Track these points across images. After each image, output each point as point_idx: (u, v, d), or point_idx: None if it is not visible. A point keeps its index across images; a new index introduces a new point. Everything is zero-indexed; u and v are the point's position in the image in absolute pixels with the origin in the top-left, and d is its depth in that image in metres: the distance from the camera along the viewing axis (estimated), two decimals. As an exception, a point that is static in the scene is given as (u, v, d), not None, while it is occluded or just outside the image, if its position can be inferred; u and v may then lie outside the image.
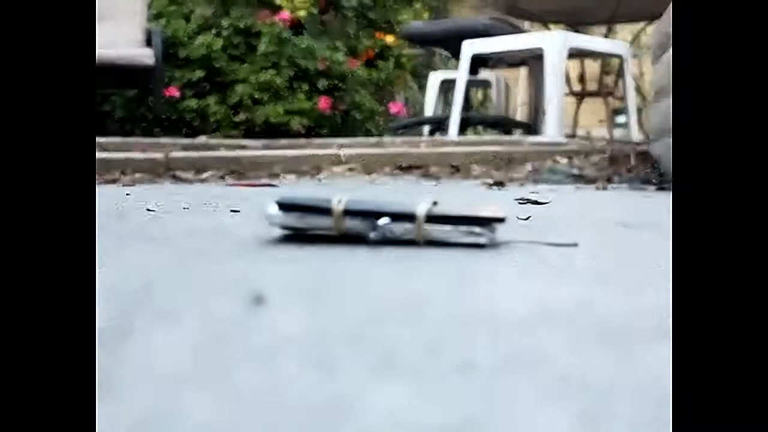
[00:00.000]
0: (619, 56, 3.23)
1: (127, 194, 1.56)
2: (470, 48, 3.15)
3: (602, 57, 3.51)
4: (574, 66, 3.84)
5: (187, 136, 3.66)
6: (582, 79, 3.94)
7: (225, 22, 4.02)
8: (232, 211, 1.19)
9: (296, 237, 0.85)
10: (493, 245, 0.82)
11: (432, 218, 0.81)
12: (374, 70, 4.44)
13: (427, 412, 0.31)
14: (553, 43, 2.92)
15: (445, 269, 0.66)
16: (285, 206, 0.83)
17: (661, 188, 1.86)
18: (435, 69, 4.59)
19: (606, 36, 3.82)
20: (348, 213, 0.82)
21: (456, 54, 3.28)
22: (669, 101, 1.93)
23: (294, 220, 0.83)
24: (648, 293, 0.57)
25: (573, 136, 3.57)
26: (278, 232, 0.86)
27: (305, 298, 0.54)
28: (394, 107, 4.41)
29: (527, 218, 1.10)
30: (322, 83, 4.03)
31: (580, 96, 3.99)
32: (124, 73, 3.50)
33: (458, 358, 0.39)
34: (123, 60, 3.42)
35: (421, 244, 0.82)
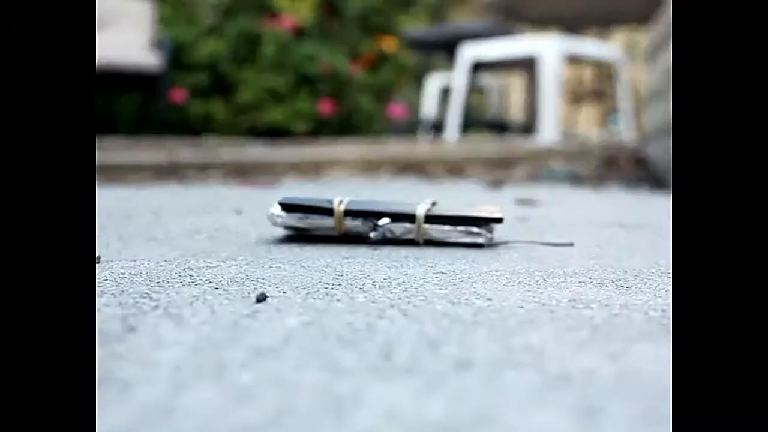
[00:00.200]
0: (614, 59, 3.24)
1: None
2: (468, 52, 3.17)
3: (597, 60, 3.52)
4: (569, 69, 3.85)
5: (192, 138, 3.67)
6: (577, 81, 3.95)
7: (230, 29, 4.04)
8: (235, 211, 1.19)
9: (298, 237, 0.86)
10: (491, 245, 0.83)
11: (431, 218, 0.81)
12: (375, 73, 4.46)
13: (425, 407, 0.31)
14: (549, 47, 2.94)
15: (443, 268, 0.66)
16: (287, 207, 0.83)
17: (655, 189, 1.87)
18: (435, 72, 4.60)
19: (601, 40, 3.83)
20: (349, 213, 0.82)
21: (454, 58, 3.30)
22: (664, 103, 1.93)
23: (296, 220, 0.83)
24: (647, 293, 0.57)
25: (569, 137, 3.58)
26: (281, 231, 0.87)
27: (306, 297, 0.54)
28: (395, 109, 4.42)
29: (524, 218, 1.10)
30: (323, 87, 4.05)
31: (576, 98, 3.99)
32: (130, 79, 3.52)
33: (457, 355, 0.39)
34: (129, 65, 3.43)
35: (421, 243, 0.82)
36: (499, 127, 3.88)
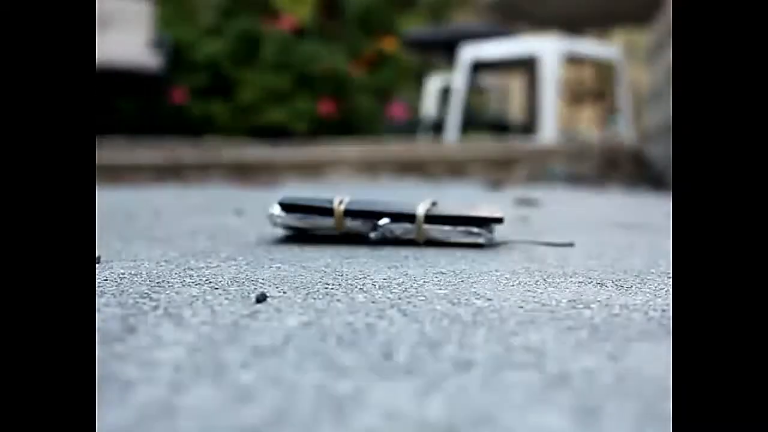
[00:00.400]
0: (614, 59, 3.24)
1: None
2: (468, 52, 3.18)
3: (597, 60, 3.53)
4: (569, 69, 3.85)
5: (192, 139, 3.67)
6: (577, 81, 3.95)
7: (230, 29, 4.04)
8: (236, 211, 1.19)
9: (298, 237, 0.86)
10: (491, 245, 0.83)
11: (431, 218, 0.81)
12: (375, 73, 4.46)
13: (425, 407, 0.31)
14: (549, 47, 2.95)
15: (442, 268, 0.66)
16: (287, 207, 0.83)
17: (655, 189, 1.87)
18: (435, 72, 4.61)
19: (601, 40, 3.83)
20: (349, 213, 0.82)
21: (454, 58, 3.31)
22: (664, 103, 1.93)
23: (296, 220, 0.83)
24: (647, 293, 0.57)
25: (569, 138, 3.58)
26: (281, 231, 0.87)
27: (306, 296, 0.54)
28: (395, 109, 4.42)
29: (524, 218, 1.10)
30: (323, 87, 4.05)
31: (576, 98, 4.00)
32: (131, 79, 3.52)
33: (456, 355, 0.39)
34: (130, 66, 3.43)
35: (421, 243, 0.82)
36: (499, 127, 3.88)
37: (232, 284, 0.58)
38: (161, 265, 0.67)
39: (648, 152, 2.43)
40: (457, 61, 3.24)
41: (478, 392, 0.33)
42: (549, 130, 2.90)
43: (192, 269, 0.65)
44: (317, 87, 4.05)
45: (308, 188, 1.93)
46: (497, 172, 2.36)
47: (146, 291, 0.56)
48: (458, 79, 3.22)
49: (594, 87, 3.99)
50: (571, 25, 3.93)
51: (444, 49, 3.53)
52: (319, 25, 4.38)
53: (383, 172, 2.40)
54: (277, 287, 0.57)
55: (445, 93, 3.79)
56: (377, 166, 2.45)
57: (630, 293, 0.56)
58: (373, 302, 0.52)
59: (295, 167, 2.39)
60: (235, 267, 0.67)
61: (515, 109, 4.34)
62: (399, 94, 4.64)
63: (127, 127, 3.85)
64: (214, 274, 0.63)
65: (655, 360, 0.39)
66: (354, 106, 4.20)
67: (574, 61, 3.55)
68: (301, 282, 0.60)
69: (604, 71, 3.95)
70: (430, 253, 0.76)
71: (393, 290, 0.56)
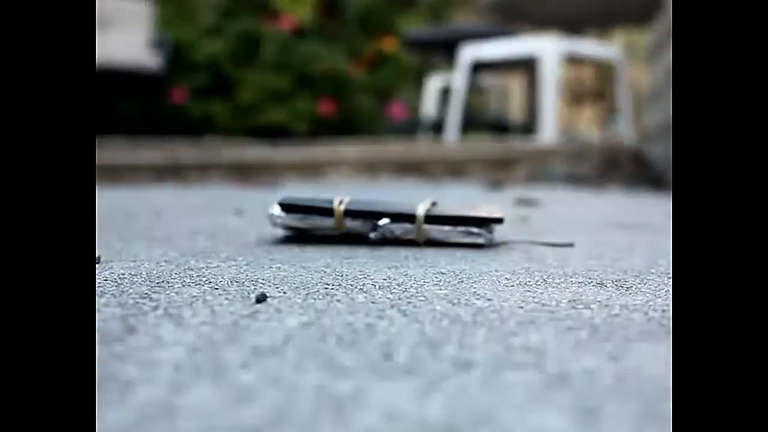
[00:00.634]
0: (613, 59, 3.24)
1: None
2: (468, 52, 3.18)
3: (597, 60, 3.53)
4: (569, 69, 3.85)
5: (192, 139, 3.67)
6: (577, 81, 3.95)
7: (230, 29, 4.04)
8: (236, 211, 1.19)
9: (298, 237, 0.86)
10: (491, 245, 0.83)
11: (431, 218, 0.81)
12: (375, 73, 4.46)
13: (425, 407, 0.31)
14: (549, 47, 2.95)
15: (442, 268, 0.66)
16: (287, 207, 0.83)
17: (655, 189, 1.87)
18: (435, 72, 4.61)
19: (601, 40, 3.83)
20: (349, 213, 0.82)
21: (454, 58, 3.30)
22: (664, 103, 1.93)
23: (296, 220, 0.83)
24: (647, 293, 0.57)
25: (569, 138, 3.58)
26: (281, 231, 0.87)
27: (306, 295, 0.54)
28: (395, 109, 4.42)
29: (524, 219, 1.10)
30: (323, 87, 4.05)
31: (576, 98, 4.00)
32: (131, 79, 3.52)
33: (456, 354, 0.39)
34: (130, 66, 3.43)
35: (421, 244, 0.82)
36: (499, 127, 3.88)
37: (232, 284, 0.58)
38: (161, 266, 0.67)
39: (648, 152, 2.43)
40: (457, 61, 3.24)
41: (478, 392, 0.33)
42: (549, 130, 2.90)
43: (192, 269, 0.65)
44: (317, 87, 4.05)
45: (308, 188, 1.93)
46: (497, 172, 2.36)
47: (146, 291, 0.56)
48: (458, 79, 3.22)
49: (594, 87, 4.00)
50: (571, 25, 3.93)
51: (444, 49, 3.53)
52: (319, 25, 4.38)
53: (383, 173, 2.40)
54: (277, 287, 0.57)
55: (445, 93, 3.79)
56: (377, 166, 2.45)
57: (630, 293, 0.56)
58: (373, 302, 0.52)
59: (295, 167, 2.39)
60: (235, 267, 0.67)
61: (515, 109, 4.34)
62: (399, 94, 4.64)
63: (127, 127, 3.85)
64: (214, 274, 0.63)
65: (655, 360, 0.39)
66: (354, 107, 4.19)
67: (574, 61, 3.55)
68: (301, 282, 0.60)
69: (604, 71, 3.95)
70: (430, 253, 0.76)
71: (393, 290, 0.56)
